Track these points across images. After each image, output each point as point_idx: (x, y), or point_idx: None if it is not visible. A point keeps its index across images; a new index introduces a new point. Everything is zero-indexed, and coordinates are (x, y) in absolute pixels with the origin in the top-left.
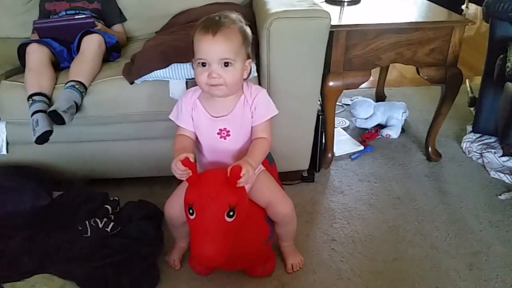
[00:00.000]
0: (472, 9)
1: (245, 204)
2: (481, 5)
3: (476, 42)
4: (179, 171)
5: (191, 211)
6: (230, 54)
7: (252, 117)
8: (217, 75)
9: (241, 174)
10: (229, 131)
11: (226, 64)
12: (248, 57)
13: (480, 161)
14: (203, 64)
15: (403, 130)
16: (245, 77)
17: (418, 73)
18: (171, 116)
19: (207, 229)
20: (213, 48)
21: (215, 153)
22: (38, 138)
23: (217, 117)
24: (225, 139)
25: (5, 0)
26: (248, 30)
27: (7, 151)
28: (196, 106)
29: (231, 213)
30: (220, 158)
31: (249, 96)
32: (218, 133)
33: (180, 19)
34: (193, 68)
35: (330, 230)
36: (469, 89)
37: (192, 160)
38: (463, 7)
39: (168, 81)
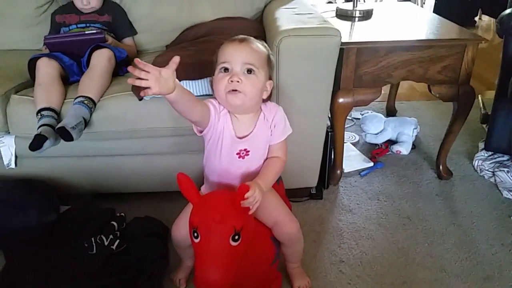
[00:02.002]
0: (485, 21)
1: (250, 227)
2: (494, 17)
3: (489, 55)
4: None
5: (195, 234)
6: (255, 61)
7: (271, 135)
8: (238, 79)
9: (246, 196)
10: (249, 151)
11: (249, 71)
12: (270, 79)
13: (492, 180)
14: (226, 70)
15: (414, 146)
16: (264, 97)
17: (430, 90)
18: None
19: (211, 254)
20: (238, 51)
21: (228, 172)
22: (31, 143)
23: (240, 138)
24: (243, 158)
25: (17, 12)
26: (272, 56)
27: (15, 165)
28: (226, 120)
29: (236, 237)
30: (232, 177)
31: (268, 113)
32: (237, 153)
33: (190, 34)
34: (211, 85)
35: (338, 250)
36: (481, 105)
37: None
38: (476, 18)
39: None
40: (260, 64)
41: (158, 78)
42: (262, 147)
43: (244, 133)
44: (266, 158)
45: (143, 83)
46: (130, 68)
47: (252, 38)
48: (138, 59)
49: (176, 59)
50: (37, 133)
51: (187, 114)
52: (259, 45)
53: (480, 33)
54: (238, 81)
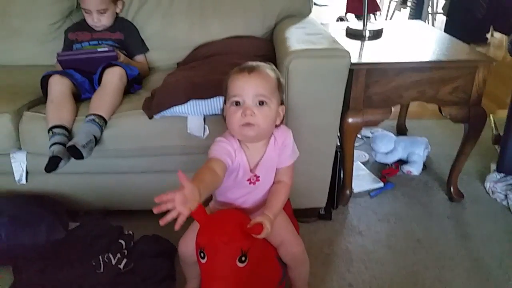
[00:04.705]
0: (497, 37)
1: (257, 248)
2: (506, 34)
3: (500, 72)
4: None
5: (202, 254)
6: (266, 91)
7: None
8: (251, 112)
9: (259, 236)
10: (259, 176)
11: (261, 103)
12: (282, 103)
13: (504, 202)
14: (237, 103)
15: (424, 167)
16: (277, 123)
17: (441, 111)
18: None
19: (218, 275)
20: (248, 84)
21: (238, 196)
22: (46, 165)
23: (252, 168)
24: (254, 184)
25: (32, 28)
26: (282, 79)
27: (26, 181)
28: (242, 158)
29: (243, 258)
30: (242, 201)
31: (279, 136)
32: (248, 180)
33: (201, 52)
34: (222, 114)
35: (347, 274)
36: (493, 125)
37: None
38: (488, 35)
39: (186, 116)
40: (271, 92)
41: (184, 201)
42: (272, 170)
43: (255, 160)
44: (273, 184)
45: (173, 214)
46: (155, 210)
47: (260, 64)
48: (157, 197)
49: (181, 175)
50: (51, 155)
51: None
52: (268, 72)
53: (492, 50)
54: (251, 115)
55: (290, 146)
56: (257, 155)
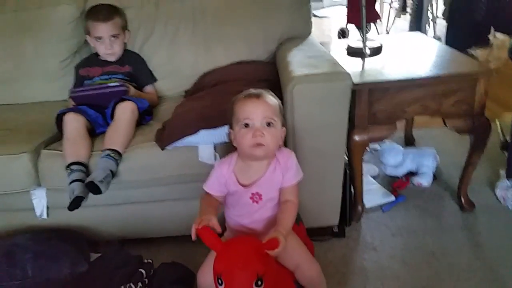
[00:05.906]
0: (499, 38)
1: (272, 272)
2: (507, 34)
3: (505, 74)
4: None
5: (220, 281)
6: (272, 114)
7: (282, 178)
8: (261, 133)
9: (276, 251)
10: (261, 195)
11: (269, 124)
12: (283, 126)
13: None
14: (246, 125)
15: (434, 177)
16: (280, 143)
17: (445, 124)
18: (205, 187)
19: None
20: (257, 107)
21: (246, 216)
22: (70, 205)
23: (249, 185)
24: (257, 203)
25: (43, 67)
26: (281, 105)
27: (47, 216)
28: (231, 179)
29: (259, 282)
30: (250, 221)
31: (281, 158)
32: (250, 198)
33: (207, 79)
34: (228, 136)
35: None
36: (499, 130)
37: (215, 227)
38: (490, 37)
39: (197, 146)
40: (276, 114)
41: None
42: (275, 190)
43: (254, 178)
44: (281, 204)
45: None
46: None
47: (263, 91)
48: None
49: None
50: (74, 196)
51: None
52: (271, 98)
53: (495, 51)
54: (261, 135)
55: (294, 167)
56: (257, 174)
